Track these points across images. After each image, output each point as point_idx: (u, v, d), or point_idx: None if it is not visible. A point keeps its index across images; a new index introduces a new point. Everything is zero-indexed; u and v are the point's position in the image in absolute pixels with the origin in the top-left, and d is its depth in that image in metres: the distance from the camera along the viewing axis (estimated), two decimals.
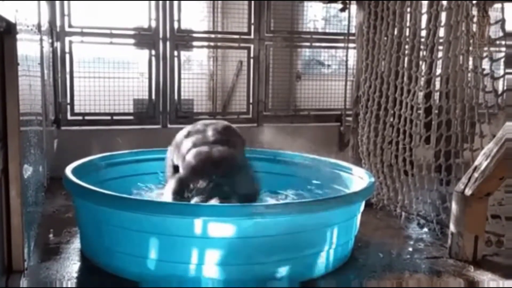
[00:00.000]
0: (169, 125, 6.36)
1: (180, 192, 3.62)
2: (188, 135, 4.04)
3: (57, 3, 5.95)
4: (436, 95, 4.53)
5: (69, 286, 3.21)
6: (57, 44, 6.02)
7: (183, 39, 6.49)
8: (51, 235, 4.05)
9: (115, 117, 6.29)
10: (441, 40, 4.38)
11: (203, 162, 3.68)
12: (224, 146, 3.81)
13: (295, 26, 7.06)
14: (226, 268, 3.12)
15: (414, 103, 4.61)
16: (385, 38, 4.98)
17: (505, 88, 3.52)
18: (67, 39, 6.08)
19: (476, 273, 3.50)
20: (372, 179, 3.90)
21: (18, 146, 3.00)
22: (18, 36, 2.96)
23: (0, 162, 2.91)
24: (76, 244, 3.83)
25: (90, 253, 3.59)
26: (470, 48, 3.95)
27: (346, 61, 6.59)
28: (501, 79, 3.74)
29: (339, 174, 4.43)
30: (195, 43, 6.76)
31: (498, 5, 4.06)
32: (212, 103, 6.90)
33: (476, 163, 3.65)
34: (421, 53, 4.59)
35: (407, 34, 4.77)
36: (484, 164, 3.55)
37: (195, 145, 3.84)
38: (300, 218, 3.22)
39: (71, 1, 6.01)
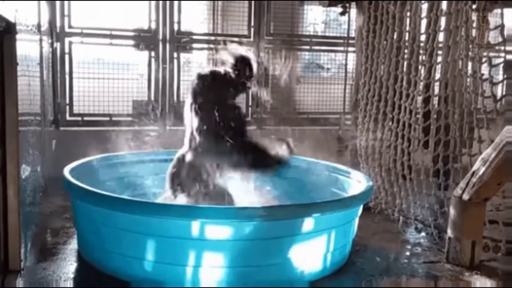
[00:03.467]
0: (168, 127, 6.36)
1: None
2: None
3: (57, 3, 5.95)
4: (435, 100, 4.53)
5: (65, 286, 3.20)
6: (57, 45, 6.02)
7: (183, 41, 6.50)
8: (48, 236, 4.04)
9: (114, 118, 6.28)
10: (440, 45, 4.38)
11: None
12: None
13: (295, 29, 7.07)
14: (223, 271, 3.12)
15: (413, 108, 4.62)
16: (385, 42, 4.99)
17: (504, 93, 3.52)
18: (66, 39, 6.08)
19: (473, 278, 3.50)
20: (370, 183, 3.90)
21: (16, 146, 3.00)
22: (18, 36, 2.96)
23: None
24: (73, 245, 3.83)
25: (87, 254, 3.58)
26: (469, 53, 3.96)
27: (346, 64, 6.60)
28: (500, 84, 3.74)
29: (337, 178, 4.42)
30: (195, 45, 6.77)
31: (497, 11, 4.07)
32: None
33: (474, 168, 3.65)
34: (420, 57, 4.59)
35: (407, 38, 4.78)
36: (482, 169, 3.55)
37: None
38: (297, 221, 3.21)
39: (71, 2, 6.01)
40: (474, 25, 3.96)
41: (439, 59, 4.41)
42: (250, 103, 6.83)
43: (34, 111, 4.01)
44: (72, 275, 3.35)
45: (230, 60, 3.73)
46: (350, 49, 6.26)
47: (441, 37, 4.39)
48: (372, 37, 5.17)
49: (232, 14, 6.82)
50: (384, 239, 4.31)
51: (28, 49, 3.53)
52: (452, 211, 3.76)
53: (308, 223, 3.24)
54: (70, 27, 6.07)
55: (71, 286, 3.23)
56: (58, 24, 6.00)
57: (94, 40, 6.22)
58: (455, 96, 4.18)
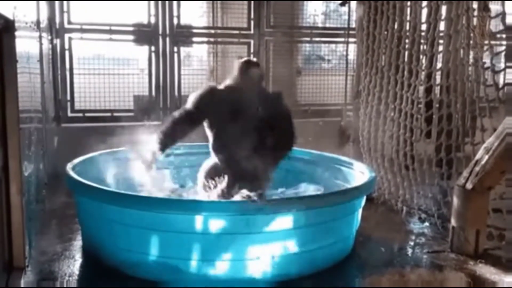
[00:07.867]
0: None
1: None
2: None
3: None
4: (437, 89, 4.51)
5: (70, 283, 3.20)
6: (57, 41, 6.02)
7: (182, 35, 6.49)
8: (52, 232, 4.05)
9: (115, 114, 6.28)
10: (441, 34, 4.36)
11: None
12: None
13: (295, 21, 7.05)
14: (227, 264, 3.13)
15: (415, 98, 4.60)
16: (385, 32, 4.97)
17: (505, 81, 3.50)
18: (66, 35, 6.08)
19: (478, 267, 3.50)
20: (373, 174, 3.89)
21: (18, 144, 3.00)
22: (17, 33, 2.95)
23: (0, 160, 2.91)
24: (77, 241, 3.83)
25: (91, 250, 3.59)
26: (471, 42, 3.94)
27: (347, 55, 6.58)
28: (502, 73, 3.72)
29: (340, 169, 4.42)
30: (194, 39, 6.75)
31: None
32: None
33: (477, 157, 3.64)
34: (421, 47, 4.57)
35: (407, 28, 4.76)
36: (485, 158, 3.55)
37: None
38: (301, 213, 3.21)
39: None
40: (475, 13, 3.93)
41: (440, 48, 4.38)
42: None
43: (35, 108, 4.01)
44: (76, 272, 3.35)
45: None
46: (351, 40, 6.23)
47: (442, 26, 4.36)
48: (372, 28, 5.15)
49: (232, 7, 6.79)
50: (388, 229, 4.31)
51: (27, 46, 3.52)
52: (455, 201, 3.75)
53: (311, 215, 3.24)
54: (69, 23, 6.07)
55: (76, 282, 3.23)
56: (57, 20, 6.00)
57: (93, 35, 6.22)
58: (457, 85, 4.16)
